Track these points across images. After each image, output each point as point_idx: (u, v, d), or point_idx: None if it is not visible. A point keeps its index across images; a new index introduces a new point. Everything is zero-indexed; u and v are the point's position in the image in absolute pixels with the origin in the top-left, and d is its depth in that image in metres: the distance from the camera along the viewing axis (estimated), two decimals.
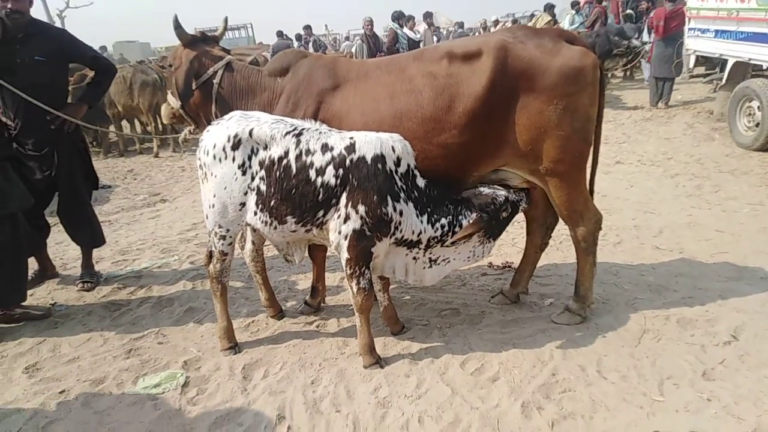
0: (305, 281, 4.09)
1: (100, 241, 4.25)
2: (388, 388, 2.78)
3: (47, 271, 4.33)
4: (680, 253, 4.01)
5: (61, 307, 3.85)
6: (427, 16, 12.23)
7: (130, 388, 2.90)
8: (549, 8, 12.74)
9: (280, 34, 15.46)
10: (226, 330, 3.19)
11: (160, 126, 9.36)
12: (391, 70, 3.03)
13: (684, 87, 10.92)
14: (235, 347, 3.20)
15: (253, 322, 3.55)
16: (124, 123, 10.40)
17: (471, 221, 2.86)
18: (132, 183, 7.95)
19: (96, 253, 4.44)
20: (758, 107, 6.52)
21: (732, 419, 2.38)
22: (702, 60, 8.44)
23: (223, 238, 2.97)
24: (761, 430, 2.30)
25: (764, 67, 6.75)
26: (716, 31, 7.49)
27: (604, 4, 13.77)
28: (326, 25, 30.31)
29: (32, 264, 4.23)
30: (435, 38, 12.17)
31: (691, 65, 8.64)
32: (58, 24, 23.99)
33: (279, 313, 3.57)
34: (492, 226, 2.94)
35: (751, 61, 6.82)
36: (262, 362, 3.08)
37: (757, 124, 6.56)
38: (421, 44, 10.54)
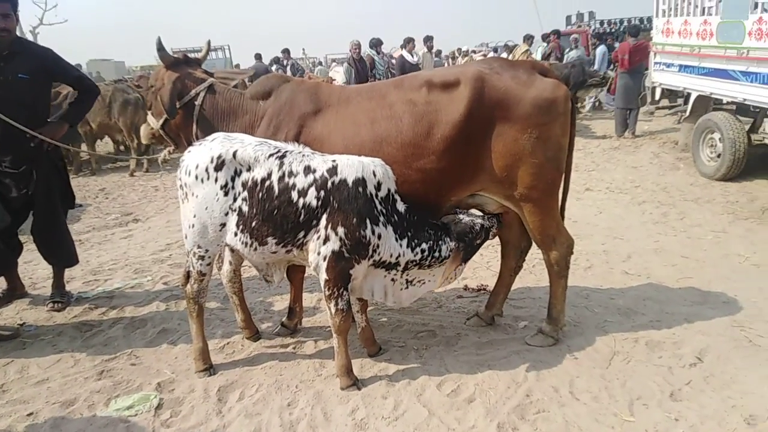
0: (281, 302, 4.09)
1: (73, 260, 4.18)
2: (365, 409, 2.79)
3: (16, 291, 4.23)
4: (648, 278, 4.14)
5: (30, 328, 3.76)
6: (428, 40, 11.88)
7: (102, 410, 2.84)
8: (527, 39, 13.16)
9: (258, 57, 15.53)
10: (201, 351, 3.16)
11: (140, 147, 9.31)
12: (372, 97, 3.11)
13: (650, 118, 11.35)
14: (210, 369, 3.17)
15: (228, 343, 3.53)
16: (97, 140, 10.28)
17: (451, 252, 2.94)
18: (104, 202, 7.83)
19: (67, 272, 4.35)
20: (719, 139, 6.83)
21: None
22: (667, 93, 8.80)
23: (202, 258, 2.97)
24: None
25: (724, 101, 7.09)
26: (680, 66, 7.86)
27: (575, 36, 14.33)
28: (303, 49, 30.58)
29: (1, 283, 4.13)
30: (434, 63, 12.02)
31: (657, 97, 9.01)
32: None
33: (255, 335, 3.55)
34: (467, 252, 3.03)
35: (713, 95, 7.16)
36: (237, 384, 3.06)
37: (719, 155, 6.86)
38: (420, 67, 10.42)
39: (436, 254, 2.95)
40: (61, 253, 4.09)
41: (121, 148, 10.71)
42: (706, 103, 7.49)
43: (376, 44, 10.85)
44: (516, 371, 3.05)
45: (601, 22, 20.18)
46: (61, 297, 4.09)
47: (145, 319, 3.88)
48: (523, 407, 2.75)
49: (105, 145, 11.92)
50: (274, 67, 16.13)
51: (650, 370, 2.98)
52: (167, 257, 5.19)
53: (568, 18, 22.91)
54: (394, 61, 17.47)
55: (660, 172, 7.53)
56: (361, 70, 9.95)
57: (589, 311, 3.69)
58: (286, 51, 16.52)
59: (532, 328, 3.46)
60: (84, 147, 9.53)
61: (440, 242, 2.95)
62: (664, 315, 3.56)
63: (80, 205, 7.43)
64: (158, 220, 6.70)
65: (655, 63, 8.55)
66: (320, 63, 22.84)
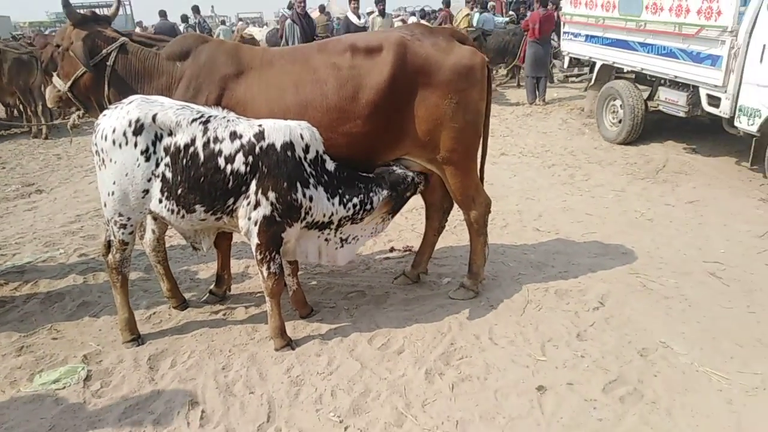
0: (207, 271, 4.05)
1: None
2: (300, 367, 2.89)
3: None
4: (556, 234, 4.50)
5: None
6: (379, 2, 10.24)
7: (26, 386, 2.75)
8: (469, 2, 13.32)
9: (163, 14, 14.54)
10: (127, 321, 3.11)
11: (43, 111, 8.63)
12: (295, 60, 3.11)
13: (559, 86, 11.97)
14: (138, 339, 3.13)
15: (154, 313, 3.48)
16: None
17: (383, 200, 3.03)
18: (1, 172, 7.21)
19: None
20: (620, 106, 7.37)
21: (600, 371, 2.79)
22: (575, 61, 9.30)
23: (124, 226, 2.89)
24: (623, 378, 2.72)
25: (625, 70, 7.63)
26: (586, 36, 8.32)
27: (491, 4, 14.69)
28: (212, 7, 29.10)
29: None
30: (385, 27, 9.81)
31: (565, 66, 9.50)
32: None
33: (182, 304, 3.52)
34: (397, 204, 3.14)
35: (615, 65, 7.68)
36: (168, 352, 3.05)
37: (620, 121, 7.42)
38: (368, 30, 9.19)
39: (368, 206, 3.03)
40: None
41: (15, 113, 9.83)
42: (609, 72, 8.01)
43: (291, 6, 10.52)
44: (441, 323, 3.25)
45: None
46: None
47: (63, 292, 3.72)
48: (448, 354, 2.96)
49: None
50: (182, 26, 15.28)
51: (559, 315, 3.30)
52: (79, 229, 4.93)
53: None
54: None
55: (568, 137, 8.02)
56: (308, 27, 8.82)
57: (505, 266, 3.97)
58: (195, 8, 15.65)
59: (455, 283, 3.68)
60: None
61: (371, 194, 3.02)
62: (570, 266, 3.90)
63: None
64: (64, 190, 6.29)
65: (564, 33, 8.99)
66: (223, 22, 21.62)
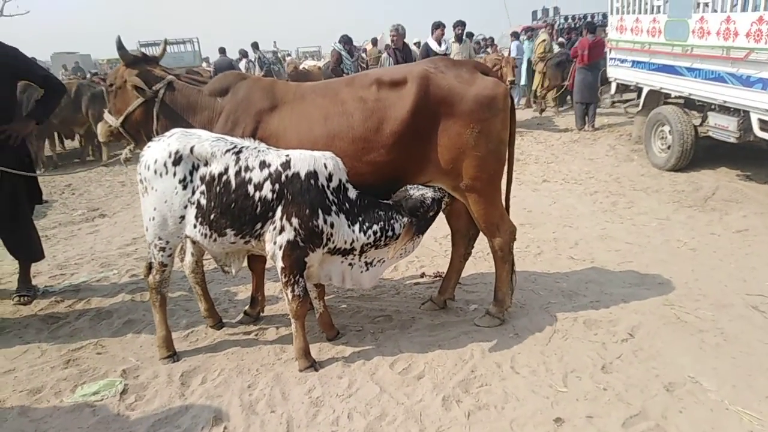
0: (245, 292, 4.23)
1: (39, 255, 4.26)
2: (321, 388, 2.97)
3: None
4: (591, 263, 4.42)
5: None
6: (458, 26, 9.66)
7: (69, 396, 2.97)
8: (548, 27, 13.62)
9: (222, 51, 15.46)
10: (165, 339, 3.30)
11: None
12: (325, 94, 3.28)
13: (609, 112, 11.73)
14: (173, 356, 3.31)
15: (192, 332, 3.67)
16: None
17: (404, 228, 3.11)
18: (70, 198, 7.81)
19: (34, 267, 4.42)
20: (669, 131, 7.18)
21: (622, 404, 2.71)
22: (622, 87, 9.15)
23: (163, 249, 3.11)
24: (645, 413, 2.65)
25: (673, 95, 7.44)
26: (633, 62, 8.19)
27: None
28: (275, 42, 30.42)
29: None
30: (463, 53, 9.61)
31: (612, 92, 9.35)
32: None
33: (218, 323, 3.70)
34: (420, 225, 3.19)
35: (662, 90, 7.51)
36: (200, 369, 3.21)
37: (669, 147, 7.22)
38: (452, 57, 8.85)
39: (390, 233, 3.10)
40: (26, 247, 4.16)
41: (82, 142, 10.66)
42: (657, 98, 7.83)
43: (346, 41, 10.92)
44: (464, 350, 3.27)
45: (566, 18, 20.62)
46: (27, 291, 4.16)
47: (111, 310, 3.99)
48: (468, 381, 2.97)
49: (71, 143, 11.82)
50: (242, 62, 16.11)
51: (586, 346, 3.24)
52: (133, 251, 5.28)
53: (534, 13, 23.33)
54: (364, 55, 17.57)
55: (615, 163, 7.86)
56: (401, 59, 8.19)
57: (535, 294, 3.94)
58: (254, 44, 16.49)
59: (482, 310, 3.68)
60: (47, 145, 9.47)
61: (392, 221, 3.09)
62: (603, 296, 3.82)
63: (46, 201, 7.41)
64: (124, 215, 6.75)
65: (610, 59, 8.88)
66: (283, 58, 22.47)
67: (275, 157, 2.95)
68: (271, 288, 4.16)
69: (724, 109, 6.32)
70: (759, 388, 2.77)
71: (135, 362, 3.29)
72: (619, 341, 3.27)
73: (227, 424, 2.72)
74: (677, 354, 3.10)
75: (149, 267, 3.21)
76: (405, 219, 3.11)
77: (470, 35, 14.54)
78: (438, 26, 8.97)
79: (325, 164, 2.94)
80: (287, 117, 3.27)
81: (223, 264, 3.22)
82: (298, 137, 3.19)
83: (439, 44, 8.99)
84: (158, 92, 3.45)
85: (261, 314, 3.82)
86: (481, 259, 4.53)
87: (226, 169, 2.93)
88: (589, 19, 17.12)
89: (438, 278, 4.34)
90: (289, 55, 24.30)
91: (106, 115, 3.58)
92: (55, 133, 10.30)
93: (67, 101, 9.07)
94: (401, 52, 8.39)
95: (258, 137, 3.20)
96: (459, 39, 9.59)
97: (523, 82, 13.62)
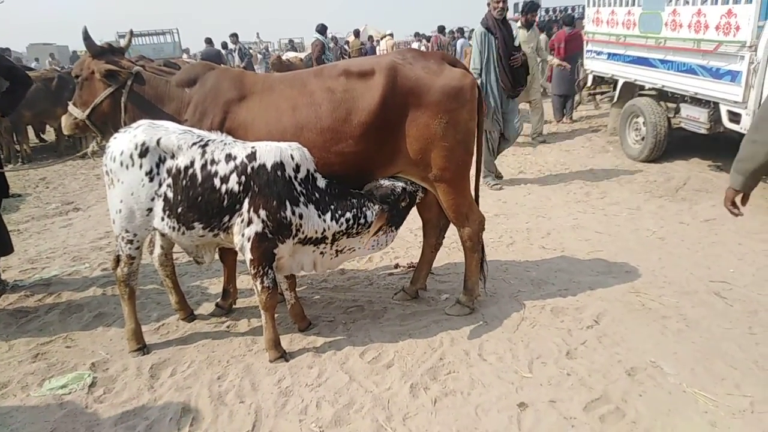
0: (218, 285, 4.22)
1: (7, 249, 4.20)
2: (291, 378, 2.99)
3: None
4: (562, 252, 4.48)
5: None
6: (528, 11, 8.09)
7: (36, 390, 2.95)
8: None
9: (209, 41, 15.30)
10: (134, 332, 3.29)
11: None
12: (293, 85, 3.28)
13: (587, 105, 11.84)
14: (143, 348, 3.30)
15: (163, 325, 3.66)
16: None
17: (376, 216, 3.12)
18: (44, 192, 7.70)
19: (3, 262, 4.37)
20: (643, 123, 7.28)
21: (584, 389, 2.78)
22: (598, 79, 9.23)
23: (130, 242, 3.09)
24: (607, 396, 2.71)
25: (647, 87, 7.54)
26: (608, 54, 8.27)
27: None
28: (257, 33, 30.19)
29: None
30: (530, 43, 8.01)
31: (589, 83, 9.43)
32: None
33: (189, 316, 3.69)
34: (394, 216, 3.21)
35: (637, 82, 7.60)
36: (170, 362, 3.21)
37: (643, 138, 7.31)
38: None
39: (362, 221, 3.12)
40: None
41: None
42: (632, 90, 7.92)
43: (321, 30, 10.89)
44: (433, 338, 3.31)
45: (546, 10, 20.68)
46: None
47: (82, 304, 3.96)
48: (436, 369, 3.01)
49: (48, 134, 11.63)
50: (223, 53, 15.96)
51: (552, 333, 3.30)
52: (106, 245, 5.23)
53: (516, 6, 23.35)
54: (347, 46, 17.52)
55: (590, 154, 7.95)
56: (508, 36, 6.07)
57: (506, 283, 4.00)
58: (234, 36, 16.35)
59: (453, 299, 3.72)
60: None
61: (364, 208, 3.12)
62: (571, 284, 3.89)
63: (19, 195, 7.32)
64: (99, 208, 6.66)
65: (587, 51, 8.96)
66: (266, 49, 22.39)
67: (241, 150, 2.95)
68: (245, 280, 4.16)
69: (696, 100, 6.42)
70: (716, 371, 2.85)
71: (104, 355, 3.28)
72: (585, 328, 3.34)
73: (195, 415, 2.74)
74: (640, 340, 3.17)
75: (117, 260, 3.19)
76: (377, 207, 3.12)
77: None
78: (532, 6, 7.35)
79: (291, 155, 2.94)
80: (255, 107, 3.25)
81: (195, 256, 3.22)
82: (267, 128, 3.19)
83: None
84: (126, 83, 3.41)
85: (233, 306, 3.82)
86: (454, 250, 4.57)
87: (192, 162, 2.92)
88: (570, 12, 17.21)
89: (411, 269, 4.37)
90: (266, 48, 24.08)
91: (71, 108, 3.52)
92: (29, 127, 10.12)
93: (45, 93, 8.93)
94: (505, 27, 6.09)
95: (226, 128, 3.19)
96: (527, 25, 8.01)
97: None
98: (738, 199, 2.53)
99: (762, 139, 2.33)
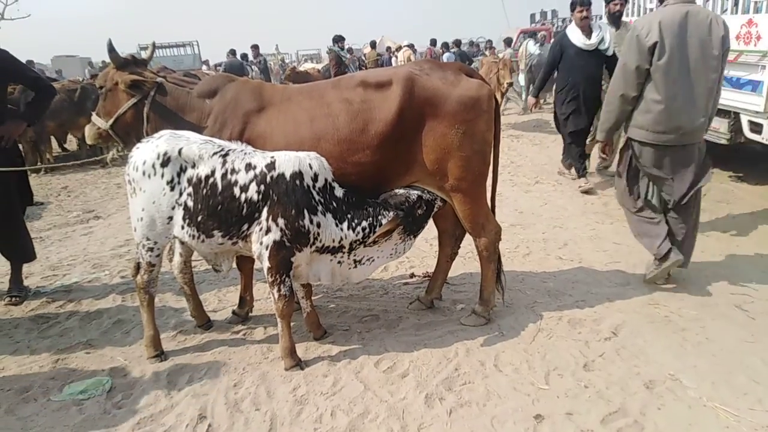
0: (235, 293, 4.25)
1: (30, 256, 4.29)
2: (306, 387, 3.00)
3: None
4: (579, 263, 4.45)
5: None
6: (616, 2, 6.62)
7: (56, 395, 3.00)
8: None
9: (232, 52, 15.57)
10: (152, 339, 3.33)
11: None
12: (311, 96, 3.32)
13: None
14: (161, 355, 3.34)
15: (180, 332, 3.70)
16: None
17: (388, 219, 3.14)
18: (66, 200, 7.85)
19: (25, 268, 4.46)
20: None
21: (602, 402, 2.74)
22: None
23: (151, 250, 3.14)
24: (624, 409, 2.68)
25: None
26: None
27: (542, 34, 14.88)
28: (276, 45, 30.57)
29: None
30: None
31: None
32: None
33: (207, 323, 3.73)
34: (409, 223, 3.21)
35: None
36: (187, 368, 3.24)
37: None
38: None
39: (377, 229, 3.13)
40: (18, 248, 4.20)
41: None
42: None
43: (337, 40, 10.98)
44: (448, 348, 3.30)
45: (563, 20, 20.68)
46: (18, 291, 4.20)
47: (101, 311, 4.02)
48: (451, 379, 3.00)
49: (70, 143, 11.90)
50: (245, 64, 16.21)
51: (569, 345, 3.27)
52: (126, 252, 5.31)
53: (533, 16, 23.40)
54: (364, 57, 17.70)
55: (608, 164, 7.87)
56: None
57: (522, 293, 3.97)
58: (255, 47, 16.59)
59: (469, 309, 3.71)
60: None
61: (380, 217, 3.13)
62: (588, 295, 3.85)
63: (42, 203, 7.46)
64: (119, 216, 6.78)
65: None
66: (283, 60, 22.94)
67: (260, 159, 2.99)
68: (262, 288, 4.19)
69: (717, 111, 6.34)
70: (737, 385, 2.80)
71: (123, 362, 3.32)
72: (602, 340, 3.30)
73: (211, 422, 2.75)
74: (659, 352, 3.13)
75: (137, 267, 3.25)
76: (392, 214, 3.14)
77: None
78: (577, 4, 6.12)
79: (310, 164, 2.97)
80: (274, 118, 3.30)
81: (214, 263, 3.26)
82: (285, 138, 3.23)
83: (588, 36, 6.30)
84: (149, 93, 3.49)
85: (250, 314, 3.85)
86: (470, 259, 4.56)
87: (213, 172, 2.97)
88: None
89: (427, 278, 4.37)
90: (283, 60, 24.45)
91: (95, 118, 3.61)
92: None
93: (68, 103, 9.15)
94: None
95: (245, 138, 3.24)
96: (614, 23, 6.60)
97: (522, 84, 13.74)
98: None
99: None
